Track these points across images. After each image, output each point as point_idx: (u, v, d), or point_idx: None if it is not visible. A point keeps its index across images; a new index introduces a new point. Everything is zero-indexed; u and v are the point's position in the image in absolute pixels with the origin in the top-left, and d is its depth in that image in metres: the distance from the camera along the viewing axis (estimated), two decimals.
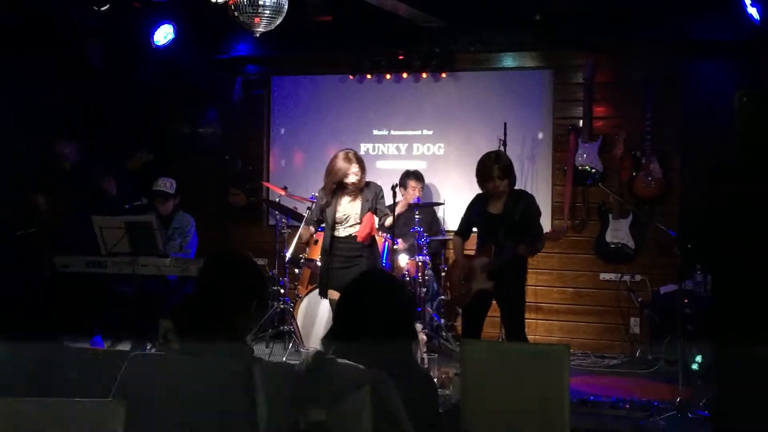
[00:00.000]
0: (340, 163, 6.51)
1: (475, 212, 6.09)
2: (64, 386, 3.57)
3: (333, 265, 6.60)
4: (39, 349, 3.89)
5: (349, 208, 6.60)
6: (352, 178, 6.49)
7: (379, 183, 6.76)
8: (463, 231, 6.25)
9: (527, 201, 5.93)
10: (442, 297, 7.75)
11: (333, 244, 6.63)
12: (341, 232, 6.64)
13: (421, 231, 7.46)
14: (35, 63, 7.93)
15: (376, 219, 6.59)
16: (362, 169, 6.54)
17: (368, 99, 8.79)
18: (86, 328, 7.41)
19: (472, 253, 6.22)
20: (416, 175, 8.08)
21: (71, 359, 3.70)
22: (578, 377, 6.68)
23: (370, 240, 6.59)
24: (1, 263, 7.53)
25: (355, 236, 6.55)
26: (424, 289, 7.44)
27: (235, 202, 8.94)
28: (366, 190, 6.60)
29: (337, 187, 6.59)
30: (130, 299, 7.18)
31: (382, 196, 6.66)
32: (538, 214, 5.93)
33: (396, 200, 6.86)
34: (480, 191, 6.12)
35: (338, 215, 6.60)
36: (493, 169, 5.86)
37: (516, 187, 6.03)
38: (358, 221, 6.56)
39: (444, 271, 7.77)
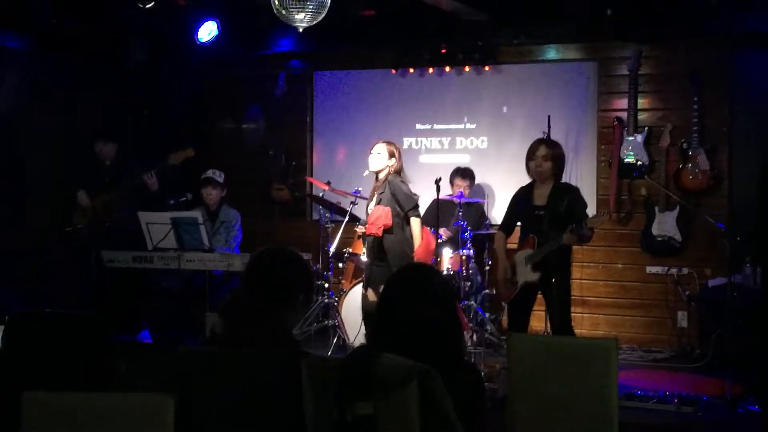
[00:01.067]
0: None
1: (518, 204, 6.05)
2: (113, 381, 3.61)
3: (372, 261, 6.60)
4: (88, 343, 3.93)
5: (372, 202, 6.60)
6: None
7: (421, 178, 6.74)
8: (507, 225, 6.20)
9: (572, 193, 5.90)
10: (487, 291, 7.70)
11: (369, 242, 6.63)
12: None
13: (464, 225, 7.42)
14: (79, 61, 8.03)
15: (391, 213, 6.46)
16: (385, 159, 6.51)
17: (411, 93, 8.77)
18: (134, 323, 7.49)
19: (515, 247, 6.17)
20: (463, 174, 8.01)
21: (119, 353, 3.73)
22: (625, 371, 6.60)
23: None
24: (50, 259, 7.65)
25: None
26: (468, 284, 7.41)
27: (278, 197, 8.97)
28: (389, 186, 6.48)
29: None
30: (176, 294, 7.25)
31: (398, 190, 6.46)
32: (584, 206, 5.88)
33: (439, 195, 6.79)
34: (523, 184, 6.12)
35: (369, 209, 6.60)
36: (538, 148, 5.90)
37: (561, 181, 6.00)
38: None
39: (488, 264, 7.72)
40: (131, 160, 7.68)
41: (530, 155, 5.96)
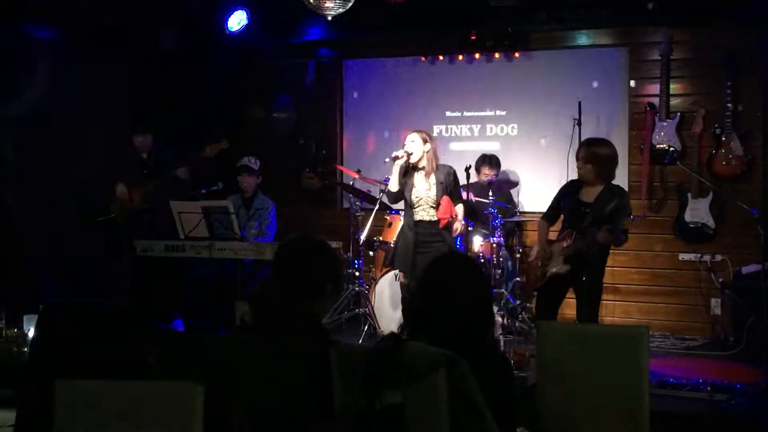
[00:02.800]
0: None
1: (565, 197, 5.98)
2: (144, 368, 3.65)
3: (414, 246, 6.57)
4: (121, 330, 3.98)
5: (421, 191, 6.57)
6: (410, 153, 6.51)
7: (451, 165, 6.72)
8: (550, 215, 6.14)
9: (621, 198, 5.76)
10: (518, 279, 7.68)
11: (413, 227, 6.61)
12: (417, 215, 6.60)
13: (495, 212, 7.40)
14: (112, 53, 8.08)
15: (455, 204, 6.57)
16: (420, 145, 6.49)
17: (440, 80, 8.74)
18: (168, 311, 7.55)
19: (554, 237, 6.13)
20: (491, 161, 7.97)
21: (152, 341, 3.77)
22: (657, 359, 6.55)
23: (446, 224, 6.54)
24: (85, 248, 7.73)
25: (431, 221, 6.53)
26: (499, 271, 7.38)
27: (309, 185, 9.00)
28: (438, 172, 6.54)
29: (407, 168, 6.60)
30: (208, 282, 7.29)
31: (455, 178, 6.61)
32: (628, 213, 5.76)
33: (469, 182, 6.83)
34: (555, 171, 6.07)
35: (413, 197, 6.58)
36: (579, 150, 5.87)
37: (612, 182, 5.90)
38: (432, 205, 6.53)
39: (519, 252, 7.70)
40: (167, 151, 7.72)
41: (576, 158, 5.91)
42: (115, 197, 7.53)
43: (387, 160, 6.66)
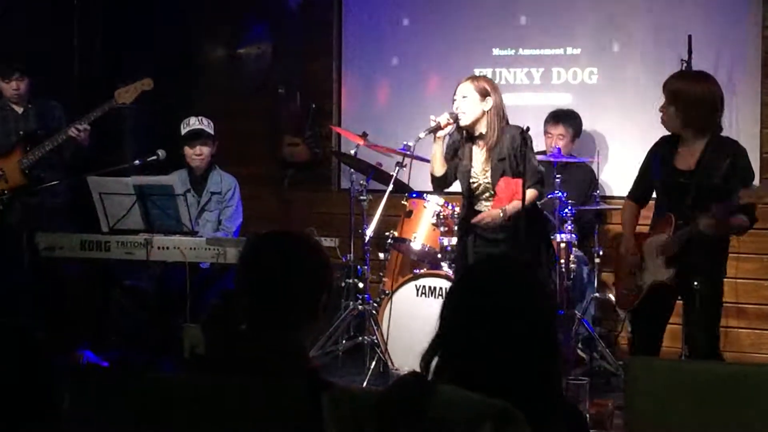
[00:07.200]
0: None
1: (655, 163, 5.94)
2: (54, 416, 3.65)
3: (473, 249, 6.61)
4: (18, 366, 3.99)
5: (479, 172, 6.56)
6: (456, 119, 6.45)
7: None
8: (639, 193, 6.13)
9: (735, 155, 5.72)
10: (597, 294, 7.67)
11: (470, 226, 6.65)
12: (478, 206, 6.63)
13: (564, 196, 7.37)
14: None
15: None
16: (476, 103, 6.44)
17: (485, 3, 8.73)
18: (82, 337, 7.56)
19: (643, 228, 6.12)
20: (557, 117, 7.98)
21: (61, 380, 3.77)
22: None
23: (517, 216, 6.40)
24: None
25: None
26: (570, 282, 7.37)
27: (292, 155, 9.01)
28: (500, 142, 6.44)
29: (465, 137, 6.57)
30: (144, 296, 7.31)
31: (525, 143, 6.39)
32: (748, 176, 5.72)
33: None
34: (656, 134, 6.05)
35: (470, 182, 6.57)
36: (664, 87, 5.82)
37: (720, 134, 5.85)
38: (492, 191, 6.53)
39: (599, 255, 7.66)
40: (55, 104, 7.68)
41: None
42: None
43: (421, 135, 6.60)
